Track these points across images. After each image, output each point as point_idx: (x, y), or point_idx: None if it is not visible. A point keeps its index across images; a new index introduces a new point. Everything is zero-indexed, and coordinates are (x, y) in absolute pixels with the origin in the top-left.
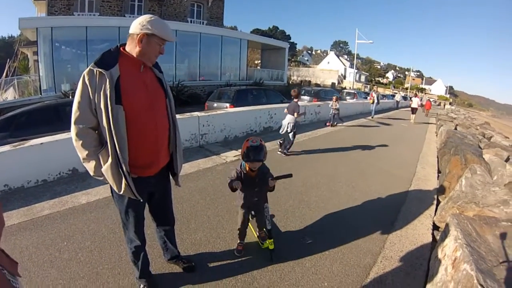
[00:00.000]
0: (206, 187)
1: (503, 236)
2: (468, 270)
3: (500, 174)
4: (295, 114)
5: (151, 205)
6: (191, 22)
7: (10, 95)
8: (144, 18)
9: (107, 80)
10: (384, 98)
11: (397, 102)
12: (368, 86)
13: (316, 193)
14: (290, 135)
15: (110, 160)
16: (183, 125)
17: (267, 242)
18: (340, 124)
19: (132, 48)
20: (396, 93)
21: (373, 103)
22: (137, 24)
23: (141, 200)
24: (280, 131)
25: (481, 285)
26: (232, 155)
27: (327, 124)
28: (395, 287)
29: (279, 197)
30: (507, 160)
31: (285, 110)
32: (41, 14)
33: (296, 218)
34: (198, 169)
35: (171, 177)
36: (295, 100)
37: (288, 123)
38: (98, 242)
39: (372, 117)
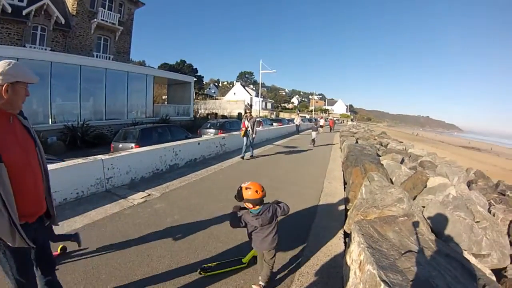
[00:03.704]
0: (114, 233)
1: (400, 230)
2: (371, 269)
3: (397, 175)
4: (316, 131)
5: (36, 251)
6: (97, 56)
7: None
8: (1, 67)
9: None
10: (290, 122)
11: (297, 126)
12: (275, 112)
13: (224, 224)
14: (314, 140)
15: (3, 215)
16: (87, 170)
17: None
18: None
19: None
20: (299, 115)
21: (245, 135)
22: None
23: (34, 247)
24: (311, 138)
25: (383, 280)
26: (139, 197)
27: None
28: None
29: (185, 231)
30: (402, 162)
31: (311, 131)
32: None
33: (206, 253)
34: (105, 215)
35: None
36: (316, 125)
37: (315, 134)
38: None
39: (244, 157)
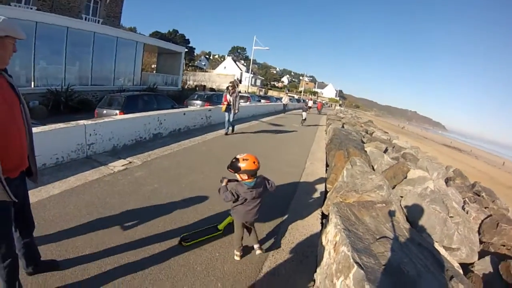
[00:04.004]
0: (93, 201)
1: (377, 216)
2: (346, 251)
3: (380, 163)
4: (306, 112)
5: (15, 209)
6: (85, 19)
7: None
8: None
9: None
10: (278, 101)
11: (285, 105)
12: (263, 89)
13: (204, 195)
14: (305, 119)
15: None
16: (68, 134)
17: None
18: None
19: None
20: (287, 94)
21: (227, 110)
22: None
23: (16, 201)
24: (302, 118)
25: (356, 262)
26: (120, 165)
27: None
28: (289, 276)
29: (164, 201)
30: (385, 151)
31: (301, 111)
32: None
33: (184, 222)
34: (85, 182)
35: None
36: (306, 106)
37: (306, 114)
38: None
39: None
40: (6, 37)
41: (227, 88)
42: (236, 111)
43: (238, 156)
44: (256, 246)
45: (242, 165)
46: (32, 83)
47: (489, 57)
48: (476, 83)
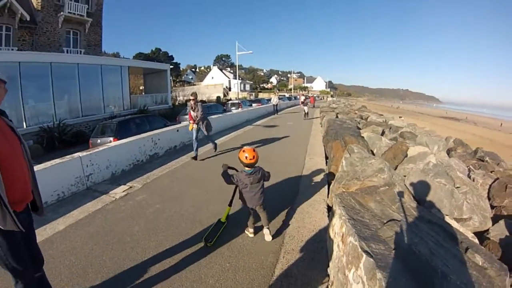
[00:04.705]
0: (98, 231)
1: (382, 200)
2: (353, 241)
3: (378, 146)
4: (307, 106)
5: (23, 243)
6: (67, 51)
7: None
8: None
9: None
10: (269, 102)
11: (275, 106)
12: (253, 93)
13: (207, 208)
14: (308, 113)
15: None
16: (65, 169)
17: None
18: None
19: None
20: (276, 94)
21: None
22: None
23: (24, 231)
24: (304, 112)
25: (365, 251)
26: (121, 191)
27: None
28: (302, 275)
29: (168, 219)
30: (382, 133)
31: (302, 106)
32: None
33: (190, 237)
34: (88, 214)
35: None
36: (302, 102)
37: (308, 109)
38: None
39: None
40: None
41: (188, 103)
42: (205, 131)
43: (245, 147)
44: (265, 230)
45: (240, 154)
46: (24, 123)
47: (473, 21)
48: (462, 50)
